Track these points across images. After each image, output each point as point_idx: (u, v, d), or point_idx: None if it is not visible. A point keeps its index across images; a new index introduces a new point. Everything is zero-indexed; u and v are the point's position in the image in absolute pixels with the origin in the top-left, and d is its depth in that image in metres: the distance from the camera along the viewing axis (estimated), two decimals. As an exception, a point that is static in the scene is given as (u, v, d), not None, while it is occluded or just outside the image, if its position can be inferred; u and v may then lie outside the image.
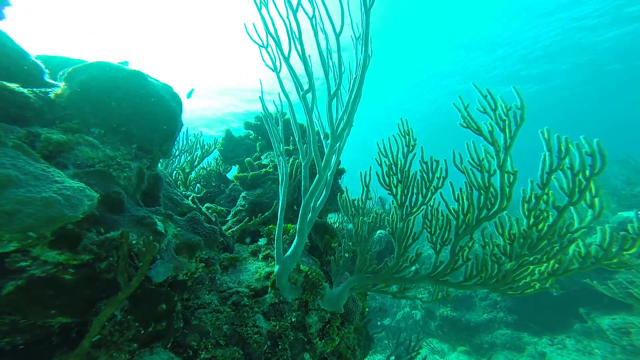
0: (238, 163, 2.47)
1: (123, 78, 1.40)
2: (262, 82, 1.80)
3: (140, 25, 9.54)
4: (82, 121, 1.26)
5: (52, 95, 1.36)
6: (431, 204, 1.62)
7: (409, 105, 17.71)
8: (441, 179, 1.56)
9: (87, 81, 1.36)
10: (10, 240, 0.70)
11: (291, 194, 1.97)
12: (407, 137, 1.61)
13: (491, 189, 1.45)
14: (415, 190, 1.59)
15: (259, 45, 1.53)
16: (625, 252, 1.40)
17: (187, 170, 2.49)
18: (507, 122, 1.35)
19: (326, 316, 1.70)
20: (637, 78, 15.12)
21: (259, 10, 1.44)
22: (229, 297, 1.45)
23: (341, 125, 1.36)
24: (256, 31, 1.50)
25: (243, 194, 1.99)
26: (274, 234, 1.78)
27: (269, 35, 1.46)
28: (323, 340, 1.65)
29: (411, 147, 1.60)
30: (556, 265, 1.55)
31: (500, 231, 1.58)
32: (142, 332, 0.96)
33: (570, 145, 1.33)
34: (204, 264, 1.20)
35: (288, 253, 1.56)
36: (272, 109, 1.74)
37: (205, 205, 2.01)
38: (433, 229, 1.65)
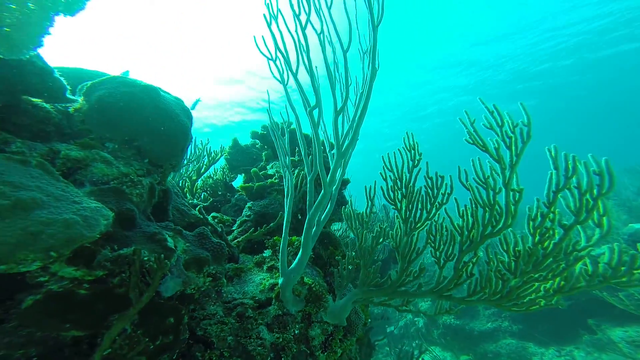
0: (244, 172, 2.51)
1: (137, 94, 1.45)
2: (270, 92, 1.84)
3: (146, 26, 9.74)
4: (97, 136, 1.31)
5: (71, 110, 1.42)
6: (435, 220, 1.62)
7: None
8: (446, 195, 1.56)
9: (104, 97, 1.41)
10: (34, 260, 0.73)
11: (296, 204, 2.00)
12: (412, 151, 1.62)
13: (496, 207, 1.45)
14: (419, 206, 1.59)
15: (268, 59, 1.57)
16: (635, 272, 1.38)
17: (194, 178, 2.54)
18: (513, 139, 1.36)
19: (329, 329, 1.70)
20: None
21: (269, 25, 1.48)
22: (233, 309, 1.48)
23: (347, 141, 1.39)
24: (265, 44, 1.53)
25: (249, 204, 2.03)
26: (279, 246, 1.80)
27: (277, 51, 1.50)
28: (325, 353, 1.65)
29: (416, 162, 1.61)
30: (562, 283, 1.53)
31: (505, 248, 1.57)
32: (151, 346, 0.99)
33: (577, 164, 1.32)
34: (211, 278, 1.23)
35: (292, 266, 1.58)
36: (274, 109, 1.77)
37: (211, 215, 2.05)
38: (437, 244, 1.65)
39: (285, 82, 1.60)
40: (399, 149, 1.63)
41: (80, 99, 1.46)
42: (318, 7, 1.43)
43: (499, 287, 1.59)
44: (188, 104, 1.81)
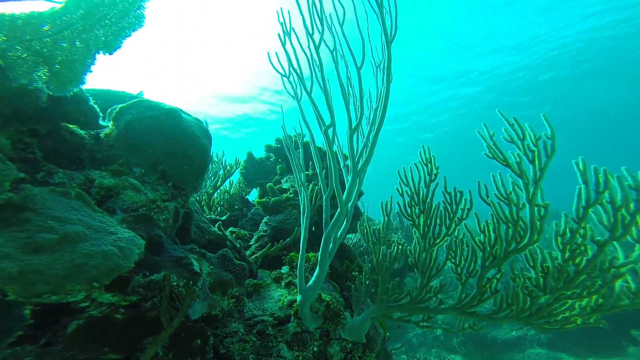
0: (259, 185, 2.56)
1: (160, 118, 1.54)
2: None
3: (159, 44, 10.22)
4: (125, 161, 1.40)
5: (102, 135, 1.53)
6: (455, 235, 1.58)
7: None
8: (465, 210, 1.52)
9: (131, 122, 1.51)
10: (80, 290, 0.79)
11: (311, 218, 2.01)
12: (429, 165, 1.60)
13: (520, 222, 1.39)
14: (438, 221, 1.56)
15: (282, 75, 1.61)
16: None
17: (210, 192, 2.64)
18: (536, 153, 1.30)
19: (348, 346, 1.69)
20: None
21: (283, 45, 1.52)
22: (254, 326, 1.51)
23: (362, 161, 1.39)
24: (278, 59, 1.57)
25: (265, 219, 2.07)
26: (296, 262, 1.82)
27: (291, 67, 1.53)
28: (345, 371, 1.64)
29: (433, 176, 1.58)
30: (600, 301, 1.44)
31: (532, 264, 1.51)
32: (180, 367, 1.03)
33: (609, 178, 1.25)
34: (234, 300, 1.27)
35: (310, 283, 1.59)
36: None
37: (229, 230, 2.11)
38: (458, 260, 1.60)
39: (299, 98, 1.63)
40: (415, 163, 1.61)
41: (110, 124, 1.57)
42: (330, 23, 1.44)
43: (527, 304, 1.52)
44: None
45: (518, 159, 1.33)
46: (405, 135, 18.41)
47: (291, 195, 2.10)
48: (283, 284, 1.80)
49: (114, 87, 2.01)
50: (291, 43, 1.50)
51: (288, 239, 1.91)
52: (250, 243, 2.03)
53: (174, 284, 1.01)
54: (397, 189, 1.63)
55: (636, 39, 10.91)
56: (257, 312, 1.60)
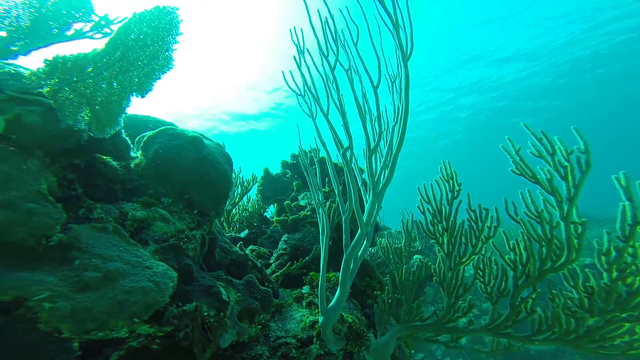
0: (276, 202, 2.61)
1: (186, 146, 1.62)
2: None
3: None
4: (155, 192, 1.48)
5: (132, 165, 1.63)
6: (482, 253, 1.50)
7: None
8: (492, 228, 1.45)
9: (158, 152, 1.60)
10: (123, 327, 0.84)
11: (330, 238, 2.01)
12: (450, 181, 1.55)
13: (555, 241, 1.30)
14: (463, 240, 1.50)
15: (297, 94, 1.64)
16: None
17: (229, 209, 2.72)
18: (569, 168, 1.22)
19: (373, 369, 1.64)
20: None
21: (299, 67, 1.55)
22: (278, 348, 1.51)
23: (382, 182, 1.37)
24: (293, 78, 1.61)
25: (284, 237, 2.10)
26: (316, 282, 1.82)
27: (305, 86, 1.56)
28: (371, 395, 1.59)
29: (456, 193, 1.53)
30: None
31: (572, 283, 1.40)
32: (212, 396, 1.05)
33: (657, 192, 1.14)
34: (261, 327, 1.29)
35: (331, 304, 1.57)
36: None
37: (249, 248, 2.15)
38: (487, 279, 1.52)
39: (314, 116, 1.65)
40: (435, 180, 1.57)
41: (139, 154, 1.67)
42: (343, 40, 1.45)
43: (571, 325, 1.41)
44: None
45: (549, 176, 1.25)
46: (417, 144, 18.27)
47: (308, 213, 2.12)
48: (304, 303, 1.79)
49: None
50: (306, 63, 1.53)
51: (307, 258, 1.91)
52: (271, 261, 2.06)
53: (205, 314, 1.05)
54: (418, 207, 1.59)
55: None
56: (281, 334, 1.60)
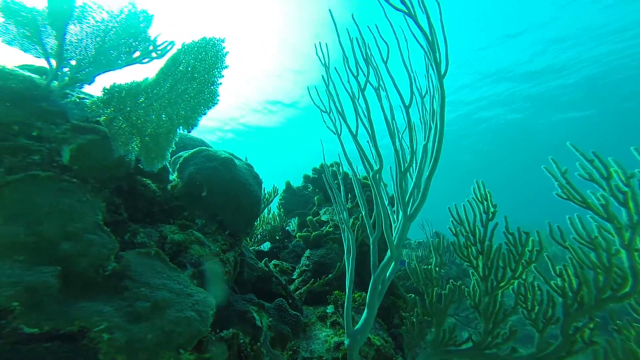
0: (297, 215, 2.64)
1: (218, 169, 1.69)
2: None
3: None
4: (190, 214, 1.55)
5: (169, 187, 1.72)
6: (523, 278, 1.41)
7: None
8: (534, 252, 1.36)
9: (193, 174, 1.68)
10: (170, 358, 0.88)
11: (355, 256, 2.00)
12: (485, 203, 1.48)
13: (615, 269, 1.19)
14: (501, 264, 1.42)
15: (322, 111, 1.65)
16: None
17: (251, 221, 2.79)
18: (629, 194, 1.11)
19: (403, 395, 1.60)
20: None
21: (327, 87, 1.56)
22: (306, 370, 1.52)
23: (414, 205, 1.34)
24: (317, 93, 1.62)
25: (307, 253, 2.11)
26: (340, 301, 1.81)
27: (332, 104, 1.56)
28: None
29: (491, 215, 1.46)
30: None
31: None
32: (249, 423, 1.07)
33: None
34: (292, 352, 1.30)
35: (358, 326, 1.55)
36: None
37: (272, 263, 2.19)
38: (530, 305, 1.43)
39: (339, 132, 1.64)
40: (468, 200, 1.51)
41: (175, 176, 1.76)
42: (369, 54, 1.43)
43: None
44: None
45: (603, 201, 1.15)
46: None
47: (331, 229, 2.12)
48: (328, 323, 1.79)
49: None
50: (332, 80, 1.54)
51: (330, 275, 1.91)
52: (293, 277, 2.08)
53: (241, 341, 1.08)
54: (449, 228, 1.53)
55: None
56: (306, 354, 1.61)
